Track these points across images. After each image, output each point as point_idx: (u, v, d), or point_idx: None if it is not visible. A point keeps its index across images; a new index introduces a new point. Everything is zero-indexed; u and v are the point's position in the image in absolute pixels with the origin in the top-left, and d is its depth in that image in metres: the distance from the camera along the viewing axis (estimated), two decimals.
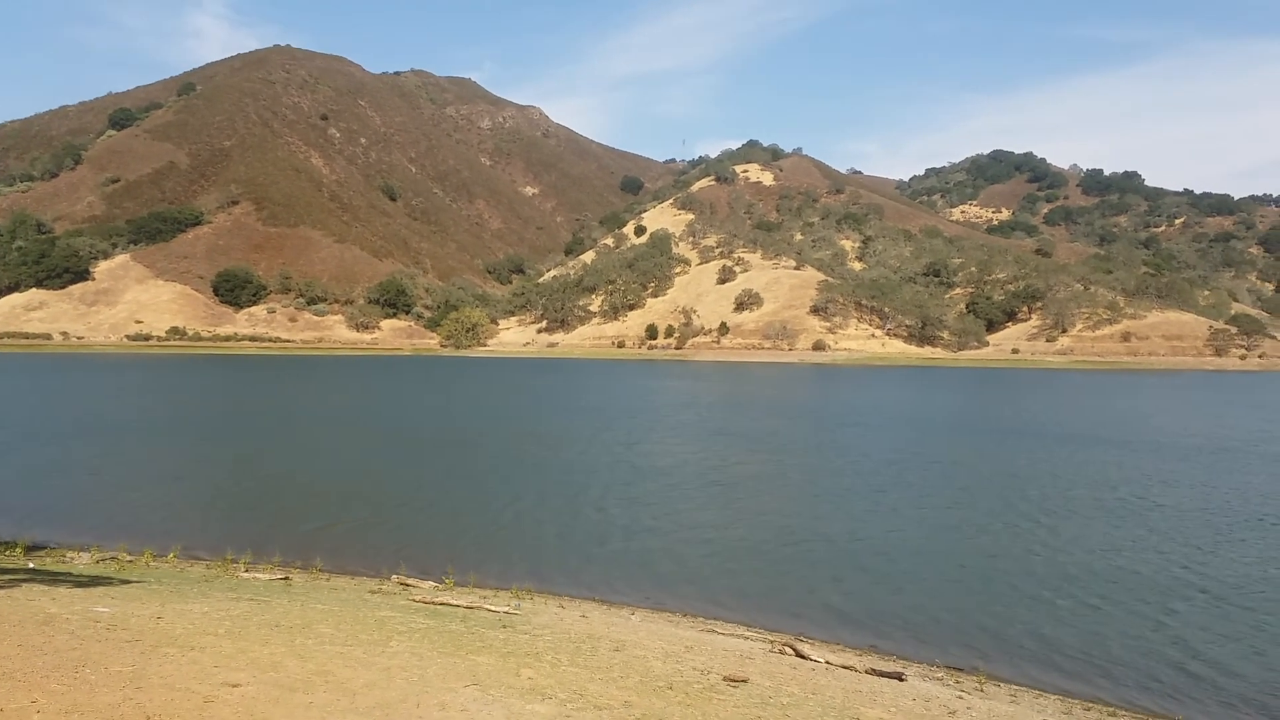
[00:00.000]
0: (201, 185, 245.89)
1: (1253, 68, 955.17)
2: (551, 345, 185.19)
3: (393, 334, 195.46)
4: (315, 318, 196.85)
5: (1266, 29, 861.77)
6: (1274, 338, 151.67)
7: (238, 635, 10.50)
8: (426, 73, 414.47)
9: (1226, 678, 14.04)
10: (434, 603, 14.80)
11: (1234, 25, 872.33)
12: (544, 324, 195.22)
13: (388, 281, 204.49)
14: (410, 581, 17.13)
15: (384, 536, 22.43)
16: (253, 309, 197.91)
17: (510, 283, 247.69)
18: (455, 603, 14.81)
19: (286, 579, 17.06)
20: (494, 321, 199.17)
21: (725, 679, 11.06)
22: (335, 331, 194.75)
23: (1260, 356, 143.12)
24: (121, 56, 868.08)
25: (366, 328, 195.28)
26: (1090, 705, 12.96)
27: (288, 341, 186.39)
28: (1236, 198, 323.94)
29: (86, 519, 23.79)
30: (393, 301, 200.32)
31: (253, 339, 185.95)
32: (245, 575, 17.16)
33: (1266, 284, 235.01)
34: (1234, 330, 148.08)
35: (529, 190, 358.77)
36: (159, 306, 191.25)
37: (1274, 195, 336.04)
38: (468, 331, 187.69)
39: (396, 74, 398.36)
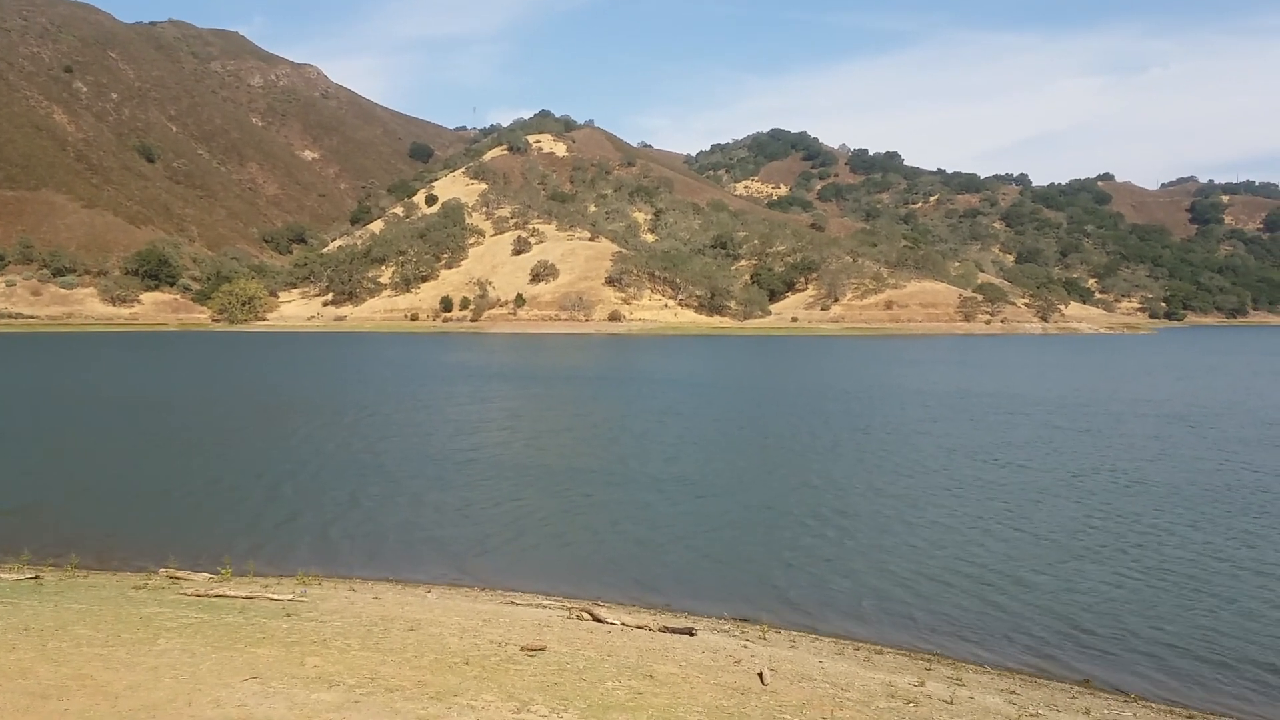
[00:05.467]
0: None
1: (998, 58, 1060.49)
2: (339, 319, 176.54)
3: (155, 308, 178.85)
4: (63, 291, 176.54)
5: (1011, 23, 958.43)
6: (1014, 304, 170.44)
7: None
8: (186, 24, 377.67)
9: (972, 613, 15.75)
10: (209, 595, 13.83)
11: (983, 19, 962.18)
12: (330, 296, 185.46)
13: (147, 250, 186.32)
14: (181, 574, 15.90)
15: (149, 527, 20.69)
16: None
17: (291, 253, 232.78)
18: (233, 594, 13.91)
19: (37, 578, 15.37)
20: (273, 294, 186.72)
21: (523, 649, 11.12)
22: (87, 306, 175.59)
23: (1002, 321, 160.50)
24: None
25: (124, 301, 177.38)
26: (860, 644, 14.16)
27: (31, 318, 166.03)
28: (982, 177, 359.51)
29: None
30: (154, 272, 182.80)
31: None
32: None
33: (1008, 255, 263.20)
34: (980, 298, 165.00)
35: (308, 154, 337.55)
36: None
37: (1014, 175, 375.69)
38: (243, 305, 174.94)
39: (152, 24, 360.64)
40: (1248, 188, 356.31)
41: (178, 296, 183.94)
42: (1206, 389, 54.85)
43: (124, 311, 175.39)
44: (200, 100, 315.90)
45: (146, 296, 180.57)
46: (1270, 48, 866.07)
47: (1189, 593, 16.34)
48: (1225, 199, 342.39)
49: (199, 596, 13.76)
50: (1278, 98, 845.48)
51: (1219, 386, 56.66)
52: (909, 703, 10.54)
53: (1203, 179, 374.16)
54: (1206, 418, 40.43)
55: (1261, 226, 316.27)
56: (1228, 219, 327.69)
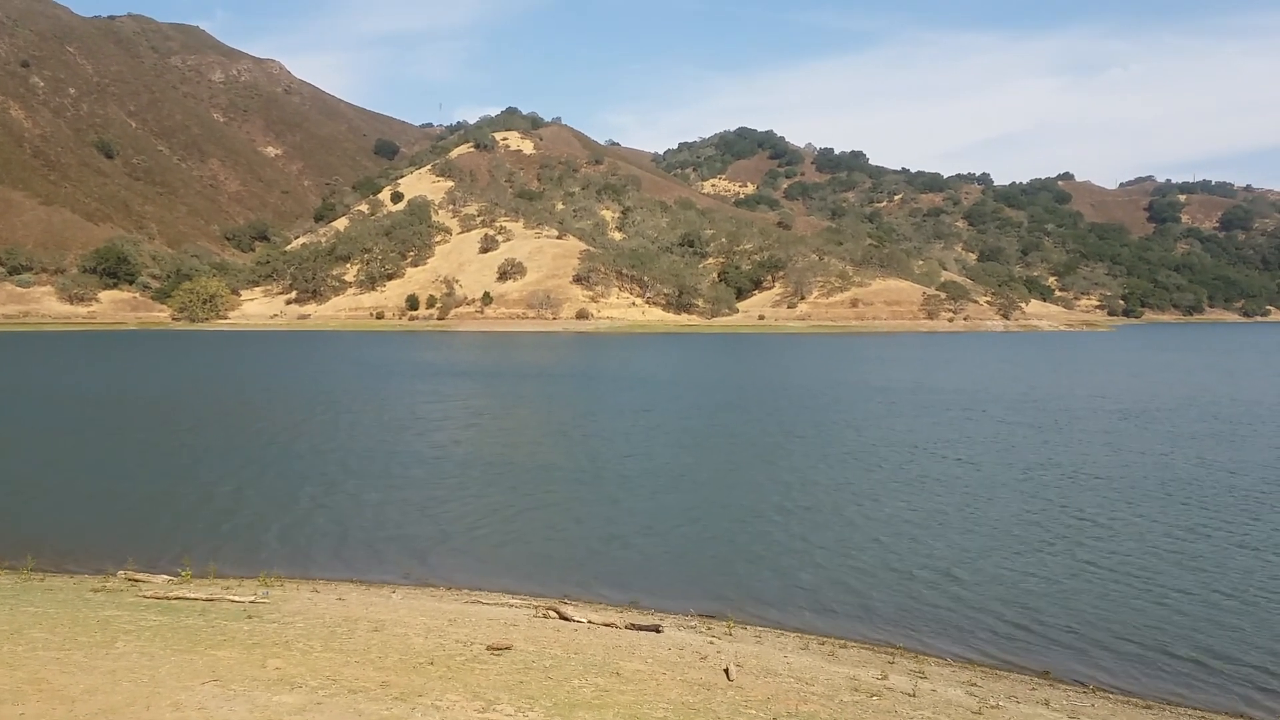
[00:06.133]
0: None
1: (961, 58, 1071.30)
2: (303, 317, 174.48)
3: (114, 307, 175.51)
4: (19, 289, 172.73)
5: (974, 24, 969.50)
6: (976, 302, 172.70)
7: None
8: (146, 18, 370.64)
9: (934, 607, 15.96)
10: (168, 598, 13.63)
11: (947, 19, 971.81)
12: (294, 295, 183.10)
13: (106, 248, 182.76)
14: (139, 576, 15.65)
15: (107, 529, 20.34)
16: None
17: (253, 250, 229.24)
18: (193, 596, 13.72)
19: None
20: (235, 292, 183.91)
21: (489, 648, 11.10)
22: (44, 304, 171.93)
23: (965, 319, 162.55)
24: None
25: (82, 300, 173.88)
26: (824, 639, 14.30)
27: None
28: (945, 176, 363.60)
29: None
30: (113, 270, 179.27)
31: None
32: None
33: (970, 254, 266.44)
34: (943, 296, 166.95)
35: (271, 151, 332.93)
36: None
37: (977, 174, 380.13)
38: (204, 303, 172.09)
39: (111, 18, 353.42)
40: (1204, 187, 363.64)
41: (137, 295, 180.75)
42: (1160, 385, 55.98)
43: (82, 310, 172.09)
44: (160, 95, 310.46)
45: (105, 295, 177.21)
46: (1227, 49, 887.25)
47: (1139, 584, 16.69)
48: (1182, 198, 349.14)
49: (158, 599, 13.55)
50: (1234, 98, 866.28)
51: (1172, 383, 57.85)
52: (872, 696, 10.67)
53: (1160, 178, 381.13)
54: (1158, 413, 41.27)
55: (1217, 225, 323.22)
56: (1185, 218, 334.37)
